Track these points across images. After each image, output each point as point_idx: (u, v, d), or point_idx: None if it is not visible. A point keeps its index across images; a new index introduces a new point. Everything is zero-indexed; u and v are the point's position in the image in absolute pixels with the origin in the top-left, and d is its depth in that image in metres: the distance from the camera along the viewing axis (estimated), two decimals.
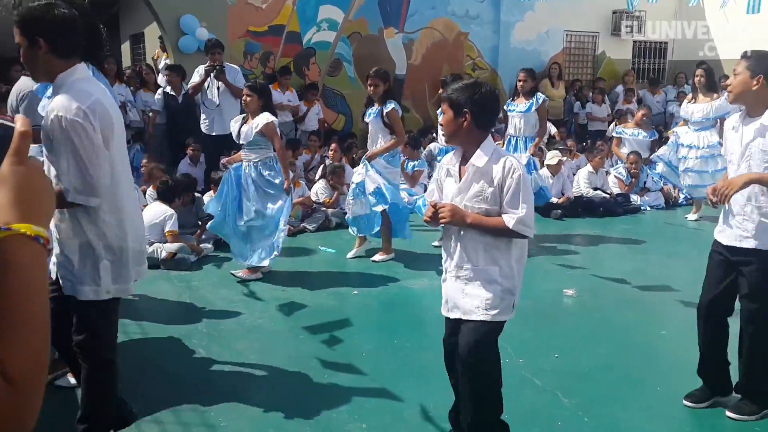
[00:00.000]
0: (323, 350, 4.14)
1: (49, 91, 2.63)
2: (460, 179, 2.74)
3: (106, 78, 3.67)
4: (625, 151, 9.03)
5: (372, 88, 5.96)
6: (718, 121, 7.47)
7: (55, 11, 2.50)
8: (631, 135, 9.11)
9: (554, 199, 8.07)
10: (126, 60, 13.44)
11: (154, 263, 5.75)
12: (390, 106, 5.88)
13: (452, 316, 2.84)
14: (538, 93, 6.71)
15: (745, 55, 3.30)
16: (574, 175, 8.97)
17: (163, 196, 6.22)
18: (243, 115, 5.62)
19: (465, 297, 2.75)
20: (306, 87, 10.27)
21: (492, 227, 2.67)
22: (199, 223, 6.77)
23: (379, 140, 6.00)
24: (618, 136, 9.20)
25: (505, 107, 6.98)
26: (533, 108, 6.57)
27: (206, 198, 6.89)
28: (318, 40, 10.68)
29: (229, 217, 5.44)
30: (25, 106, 4.38)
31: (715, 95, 7.57)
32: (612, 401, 3.55)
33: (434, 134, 9.73)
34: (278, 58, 10.45)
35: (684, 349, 4.22)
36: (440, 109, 4.65)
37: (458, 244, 2.76)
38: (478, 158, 2.69)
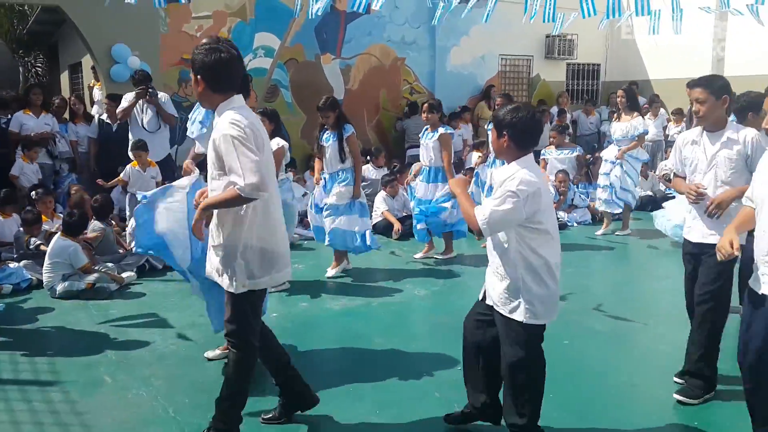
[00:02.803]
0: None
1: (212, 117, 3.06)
2: None
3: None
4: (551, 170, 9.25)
5: (324, 119, 6.23)
6: (638, 138, 7.78)
7: (212, 55, 2.90)
8: (555, 155, 9.34)
9: None
10: (65, 89, 13.36)
11: (74, 294, 5.74)
12: (349, 131, 6.19)
13: (487, 302, 3.11)
14: (440, 127, 6.73)
15: (699, 83, 3.58)
16: None
17: (68, 231, 6.03)
18: None
19: (491, 287, 3.07)
20: None
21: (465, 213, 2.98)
22: (121, 251, 6.80)
23: (333, 163, 6.24)
24: (543, 158, 9.46)
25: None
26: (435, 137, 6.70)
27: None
28: (254, 66, 10.76)
29: None
30: None
31: (635, 114, 7.86)
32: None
33: (368, 158, 9.89)
34: None
35: (580, 357, 4.40)
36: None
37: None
38: (498, 173, 3.00)
